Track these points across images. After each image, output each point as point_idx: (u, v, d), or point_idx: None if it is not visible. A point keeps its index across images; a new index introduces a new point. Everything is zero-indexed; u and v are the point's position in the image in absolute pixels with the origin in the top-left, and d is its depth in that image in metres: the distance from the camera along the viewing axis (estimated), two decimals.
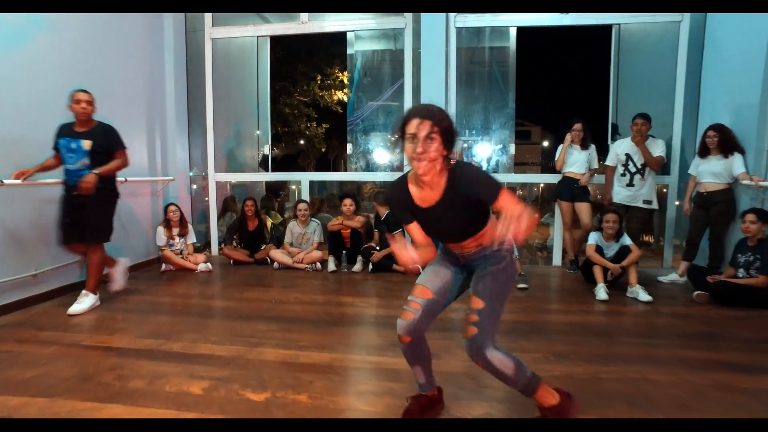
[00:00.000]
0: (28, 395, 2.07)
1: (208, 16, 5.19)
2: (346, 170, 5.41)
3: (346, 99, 13.96)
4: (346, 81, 13.94)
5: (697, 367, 2.42)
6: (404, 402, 1.96)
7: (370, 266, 4.65)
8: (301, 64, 12.81)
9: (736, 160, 3.90)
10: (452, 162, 1.59)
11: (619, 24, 4.96)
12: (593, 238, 4.04)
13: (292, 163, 16.56)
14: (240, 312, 3.34)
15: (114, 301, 3.61)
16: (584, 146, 4.59)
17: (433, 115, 1.49)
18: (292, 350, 2.62)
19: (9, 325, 3.05)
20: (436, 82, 4.74)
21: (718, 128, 3.99)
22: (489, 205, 1.55)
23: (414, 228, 1.71)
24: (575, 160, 4.59)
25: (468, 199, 1.56)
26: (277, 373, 2.31)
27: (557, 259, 5.01)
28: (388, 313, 3.34)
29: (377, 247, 4.76)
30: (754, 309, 3.40)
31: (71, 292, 3.76)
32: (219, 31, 5.21)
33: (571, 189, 4.61)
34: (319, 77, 13.32)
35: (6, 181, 3.04)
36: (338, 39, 12.91)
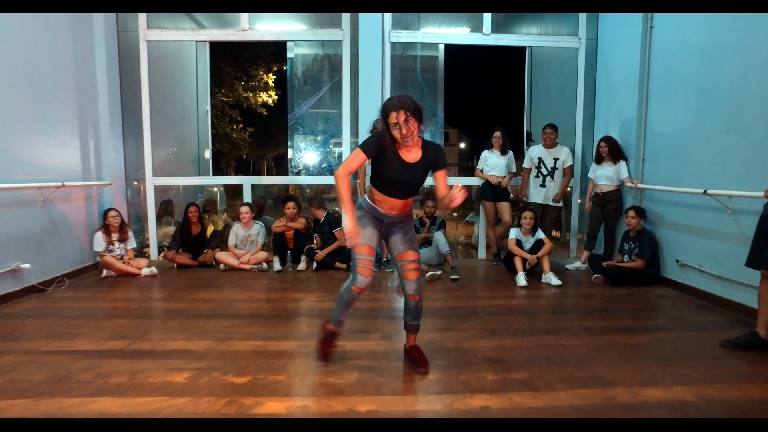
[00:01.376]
0: (5, 399, 2.12)
1: (142, 17, 5.12)
2: (266, 173, 5.61)
3: (270, 101, 13.96)
4: (271, 83, 13.91)
5: (596, 332, 3.05)
6: (371, 376, 2.34)
7: (314, 265, 4.93)
8: (225, 63, 12.57)
9: (622, 166, 4.73)
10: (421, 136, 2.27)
11: (531, 47, 5.71)
12: (513, 233, 4.68)
13: (214, 164, 16.06)
14: (198, 312, 3.48)
15: (59, 308, 3.55)
16: (504, 152, 5.24)
17: (404, 104, 2.10)
18: (260, 341, 2.86)
19: None
20: (373, 93, 5.14)
21: (608, 139, 4.81)
22: (436, 170, 2.25)
23: (361, 159, 2.16)
24: (496, 164, 5.23)
25: (428, 165, 2.25)
26: (252, 361, 2.55)
27: (482, 253, 5.64)
28: None
29: (318, 249, 5.02)
30: (636, 287, 4.21)
31: (4, 302, 3.64)
32: (155, 33, 5.16)
33: (493, 190, 5.24)
34: (244, 78, 13.17)
35: None
36: (278, 46, 12.89)
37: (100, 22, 4.86)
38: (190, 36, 5.33)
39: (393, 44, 5.30)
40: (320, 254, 4.90)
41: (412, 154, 2.22)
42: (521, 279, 4.32)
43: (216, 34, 5.30)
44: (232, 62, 12.75)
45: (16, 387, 2.24)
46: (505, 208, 5.25)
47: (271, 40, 5.33)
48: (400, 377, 2.37)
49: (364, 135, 5.16)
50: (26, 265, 3.80)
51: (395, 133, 2.11)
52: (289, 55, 6.12)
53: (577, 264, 5.04)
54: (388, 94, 5.30)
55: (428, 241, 5.11)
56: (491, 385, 2.28)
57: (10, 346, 2.77)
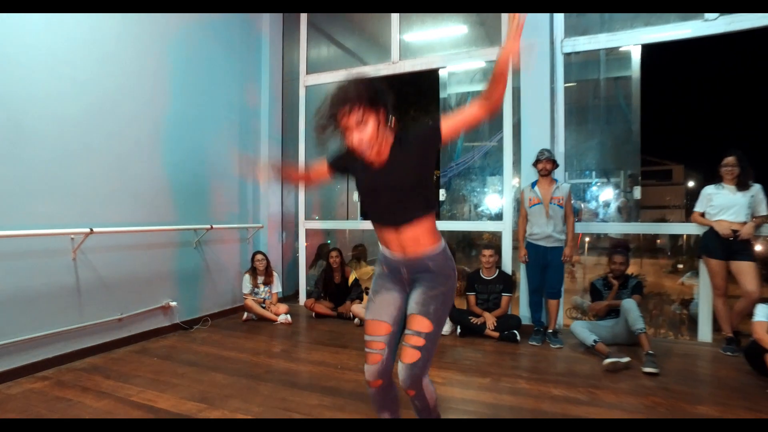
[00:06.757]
0: None
1: (302, 64, 5.26)
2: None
3: None
4: None
5: None
6: None
7: (458, 330, 4.00)
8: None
9: None
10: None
11: None
12: (763, 313, 2.93)
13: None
14: (297, 379, 2.97)
15: (181, 351, 3.53)
16: (742, 186, 3.52)
17: (350, 96, 1.40)
18: None
19: (87, 368, 3.09)
20: (540, 119, 4.12)
21: None
22: (438, 139, 1.48)
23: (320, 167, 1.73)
24: (729, 204, 3.53)
25: (412, 157, 1.50)
26: None
27: (706, 335, 3.82)
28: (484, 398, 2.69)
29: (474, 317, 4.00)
30: None
31: (153, 337, 3.82)
32: (313, 77, 5.26)
33: (723, 242, 3.52)
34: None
35: (96, 229, 3.18)
36: (429, 84, 12.73)
37: (266, 68, 5.19)
38: (345, 76, 5.27)
39: (567, 57, 4.22)
40: (489, 321, 3.90)
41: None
42: None
43: (367, 71, 5.08)
44: (399, 109, 12.93)
45: None
46: (745, 270, 3.45)
47: (423, 69, 4.84)
48: None
49: (527, 170, 4.13)
50: (173, 303, 3.99)
51: (347, 140, 1.54)
52: (442, 95, 5.52)
53: None
54: (561, 120, 4.19)
55: (614, 311, 3.68)
56: None
57: (114, 388, 2.72)
